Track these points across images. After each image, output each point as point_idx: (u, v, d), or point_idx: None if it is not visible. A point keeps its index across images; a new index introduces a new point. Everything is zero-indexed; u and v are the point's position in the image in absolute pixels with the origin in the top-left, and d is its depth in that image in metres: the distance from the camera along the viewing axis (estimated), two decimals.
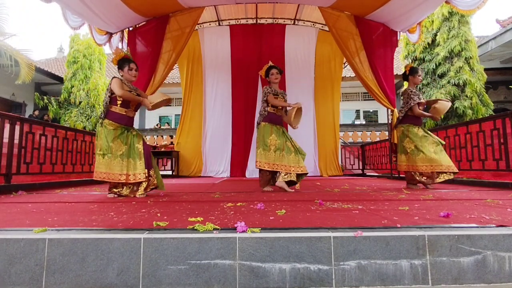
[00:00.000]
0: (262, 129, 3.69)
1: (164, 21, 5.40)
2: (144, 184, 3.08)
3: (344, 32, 5.53)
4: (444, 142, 3.91)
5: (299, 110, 3.74)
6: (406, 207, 2.12)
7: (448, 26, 9.35)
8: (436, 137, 3.89)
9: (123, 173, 2.97)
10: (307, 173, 3.71)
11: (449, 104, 3.94)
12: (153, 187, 3.20)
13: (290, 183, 3.65)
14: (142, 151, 3.09)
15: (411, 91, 3.93)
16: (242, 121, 7.59)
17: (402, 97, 4.12)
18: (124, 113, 3.11)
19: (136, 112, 3.30)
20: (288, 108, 3.84)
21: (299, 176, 3.65)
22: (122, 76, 3.20)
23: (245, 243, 1.38)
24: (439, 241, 1.40)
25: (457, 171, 3.77)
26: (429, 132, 3.93)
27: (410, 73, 4.01)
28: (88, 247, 1.37)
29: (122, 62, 3.18)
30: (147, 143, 3.23)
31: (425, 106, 4.02)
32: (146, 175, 3.06)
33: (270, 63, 3.92)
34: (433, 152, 3.73)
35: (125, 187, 3.04)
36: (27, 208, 2.30)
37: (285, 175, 3.57)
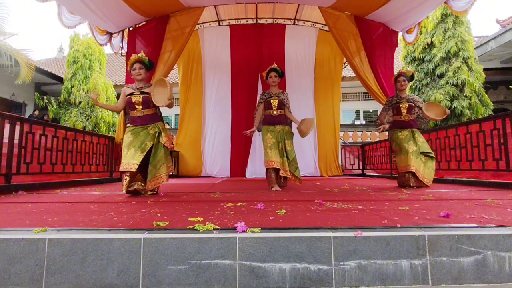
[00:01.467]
0: (262, 132, 3.98)
1: (164, 21, 5.40)
2: (128, 181, 3.05)
3: (344, 32, 5.54)
4: (433, 155, 4.01)
5: (306, 121, 3.93)
6: (406, 207, 2.13)
7: (444, 28, 9.36)
8: (422, 145, 3.96)
9: (124, 162, 3.04)
10: (287, 177, 3.92)
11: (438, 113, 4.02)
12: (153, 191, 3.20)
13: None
14: (148, 148, 3.08)
15: (387, 100, 4.35)
16: (242, 121, 7.57)
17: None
18: (135, 115, 3.23)
19: (153, 109, 3.28)
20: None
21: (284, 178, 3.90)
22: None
23: (245, 243, 1.38)
24: (439, 241, 1.40)
25: (427, 184, 3.90)
26: (418, 138, 3.99)
27: (394, 82, 4.26)
28: (88, 247, 1.37)
29: (131, 65, 3.32)
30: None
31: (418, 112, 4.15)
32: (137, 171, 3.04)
33: (273, 66, 4.01)
34: (411, 153, 3.89)
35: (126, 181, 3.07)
36: (27, 208, 2.30)
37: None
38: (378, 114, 4.43)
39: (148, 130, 3.16)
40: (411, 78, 4.16)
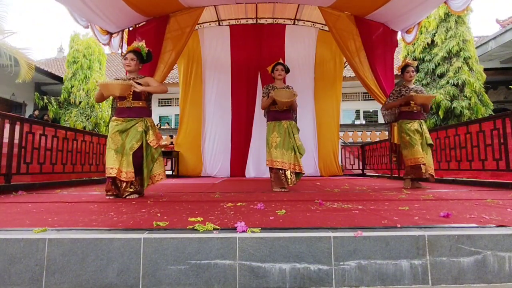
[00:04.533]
0: (267, 128, 3.83)
1: (164, 21, 5.40)
2: (132, 187, 2.97)
3: (344, 32, 5.53)
4: (432, 143, 3.97)
5: (281, 89, 3.74)
6: (406, 207, 2.12)
7: (446, 27, 9.36)
8: (429, 137, 3.94)
9: (115, 167, 2.87)
10: (304, 173, 3.78)
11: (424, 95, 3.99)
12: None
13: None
14: (135, 149, 2.93)
15: (393, 90, 4.20)
16: (242, 121, 7.59)
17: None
18: (123, 106, 3.04)
19: (144, 102, 3.12)
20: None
21: (297, 174, 3.72)
22: None
23: (245, 243, 1.38)
24: (439, 241, 1.40)
25: (432, 173, 3.87)
26: (425, 130, 3.95)
27: (401, 72, 4.14)
28: (88, 247, 1.37)
29: (124, 54, 3.19)
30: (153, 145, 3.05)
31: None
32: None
33: (280, 60, 3.98)
34: (422, 146, 3.87)
35: (114, 187, 2.94)
36: (27, 208, 2.30)
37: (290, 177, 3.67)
38: (384, 104, 4.20)
39: (137, 127, 2.98)
40: (417, 69, 4.15)
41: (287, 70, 3.95)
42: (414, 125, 3.93)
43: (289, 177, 3.67)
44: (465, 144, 4.69)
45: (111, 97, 3.20)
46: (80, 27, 5.15)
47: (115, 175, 2.86)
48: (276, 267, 1.36)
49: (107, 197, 2.96)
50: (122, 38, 5.60)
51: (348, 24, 5.52)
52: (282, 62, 3.94)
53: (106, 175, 2.92)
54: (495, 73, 11.81)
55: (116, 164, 2.88)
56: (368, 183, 5.05)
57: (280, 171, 3.67)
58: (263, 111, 3.99)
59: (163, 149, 3.25)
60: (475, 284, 1.36)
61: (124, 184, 2.93)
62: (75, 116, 11.32)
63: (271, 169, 3.73)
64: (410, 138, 3.91)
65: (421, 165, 3.83)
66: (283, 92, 3.69)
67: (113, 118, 3.07)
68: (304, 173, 3.77)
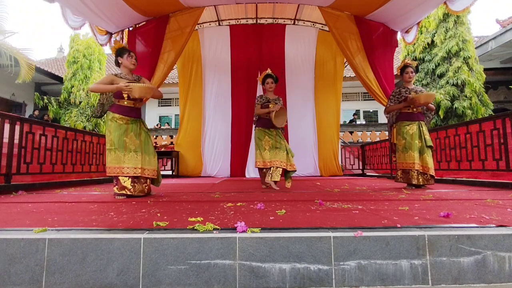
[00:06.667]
0: (257, 133, 4.12)
1: (164, 21, 5.40)
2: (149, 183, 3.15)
3: (344, 32, 5.53)
4: (432, 145, 3.91)
5: (280, 110, 4.02)
6: (406, 207, 2.12)
7: (445, 27, 9.38)
8: (428, 139, 3.87)
9: (138, 166, 2.97)
10: (295, 170, 4.10)
11: (425, 94, 3.94)
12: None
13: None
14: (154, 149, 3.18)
15: (393, 92, 4.21)
16: (242, 121, 7.59)
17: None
18: (133, 105, 3.08)
19: (142, 103, 3.28)
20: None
21: (287, 172, 4.02)
22: (121, 64, 3.21)
23: (245, 243, 1.38)
24: (439, 241, 1.40)
25: (432, 174, 3.82)
26: (425, 132, 3.90)
27: (400, 73, 4.14)
28: (88, 247, 1.37)
29: (121, 51, 3.22)
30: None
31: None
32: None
33: (268, 71, 4.16)
34: (420, 151, 3.83)
35: (136, 185, 2.97)
36: (27, 208, 2.30)
37: (273, 172, 3.98)
38: (386, 108, 4.20)
39: (143, 127, 3.17)
40: (416, 69, 4.13)
41: (276, 80, 4.19)
42: (413, 127, 3.87)
43: (273, 173, 3.97)
44: (465, 144, 4.69)
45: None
46: (78, 26, 5.13)
47: (139, 174, 2.97)
48: (276, 267, 1.36)
49: (118, 197, 2.93)
50: (122, 38, 5.60)
51: (348, 24, 5.52)
52: (271, 73, 4.15)
53: (130, 174, 2.93)
54: (495, 73, 11.82)
55: (139, 163, 2.99)
56: (368, 183, 5.05)
57: (269, 170, 3.99)
58: (254, 117, 4.25)
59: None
60: (475, 284, 1.36)
61: (143, 181, 3.04)
62: (75, 116, 11.32)
63: (260, 168, 4.09)
64: (406, 142, 3.88)
65: (411, 171, 3.82)
66: (281, 119, 4.01)
67: (118, 116, 2.98)
68: (296, 170, 4.09)
